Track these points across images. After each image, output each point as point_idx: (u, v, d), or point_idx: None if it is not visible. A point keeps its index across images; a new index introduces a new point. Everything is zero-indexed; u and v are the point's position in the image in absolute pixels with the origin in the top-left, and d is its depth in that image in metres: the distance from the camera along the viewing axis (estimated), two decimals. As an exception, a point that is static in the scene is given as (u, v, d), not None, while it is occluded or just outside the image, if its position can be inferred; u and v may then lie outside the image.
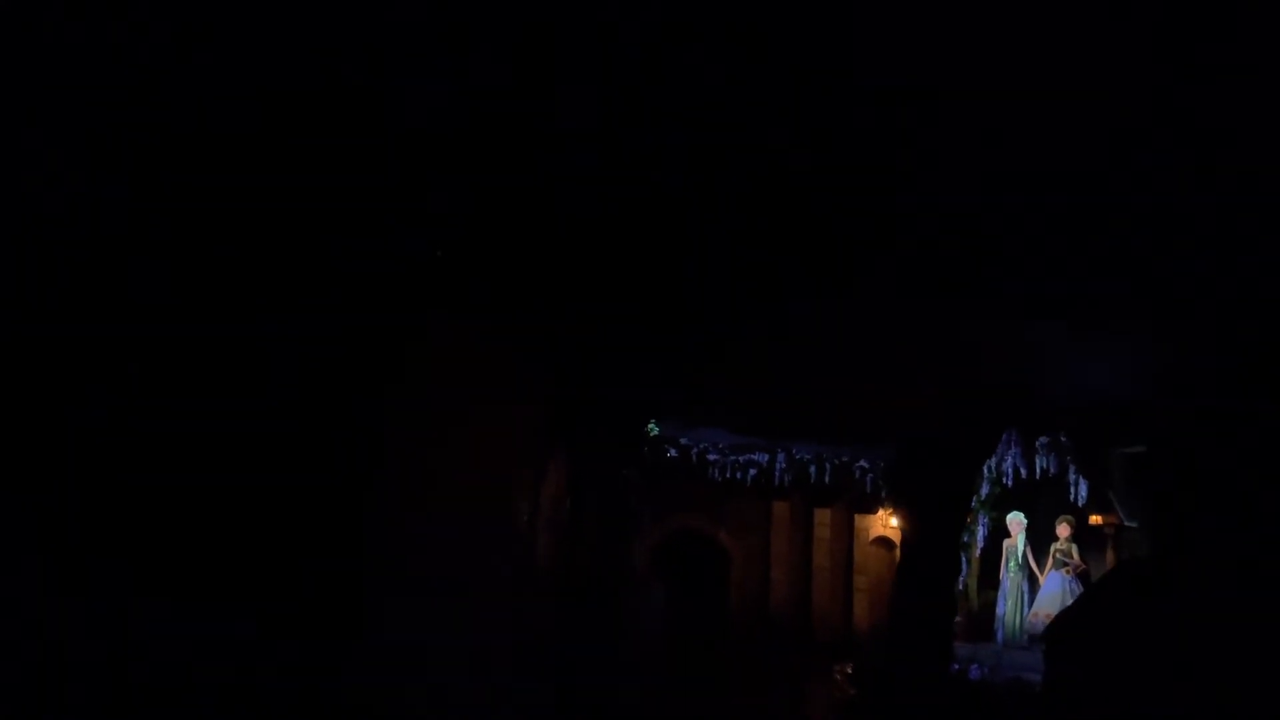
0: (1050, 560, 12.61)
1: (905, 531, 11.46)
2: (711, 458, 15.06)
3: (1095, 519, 12.14)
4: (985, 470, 13.25)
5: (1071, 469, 12.36)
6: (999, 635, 12.76)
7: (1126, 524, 11.80)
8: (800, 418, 15.33)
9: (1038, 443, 12.68)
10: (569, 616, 9.24)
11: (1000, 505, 13.30)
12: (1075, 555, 12.40)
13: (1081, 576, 12.41)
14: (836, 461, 14.92)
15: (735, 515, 17.10)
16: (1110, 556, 12.11)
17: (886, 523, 18.89)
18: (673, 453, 15.00)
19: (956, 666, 10.63)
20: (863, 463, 14.85)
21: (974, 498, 13.44)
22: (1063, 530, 12.58)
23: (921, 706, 9.37)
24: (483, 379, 6.95)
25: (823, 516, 17.44)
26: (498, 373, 7.22)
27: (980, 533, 13.28)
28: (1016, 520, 13.04)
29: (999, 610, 12.88)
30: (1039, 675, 11.20)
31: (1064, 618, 7.54)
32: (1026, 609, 12.60)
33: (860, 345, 14.70)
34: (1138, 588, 6.69)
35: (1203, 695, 6.28)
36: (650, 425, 11.98)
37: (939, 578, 10.62)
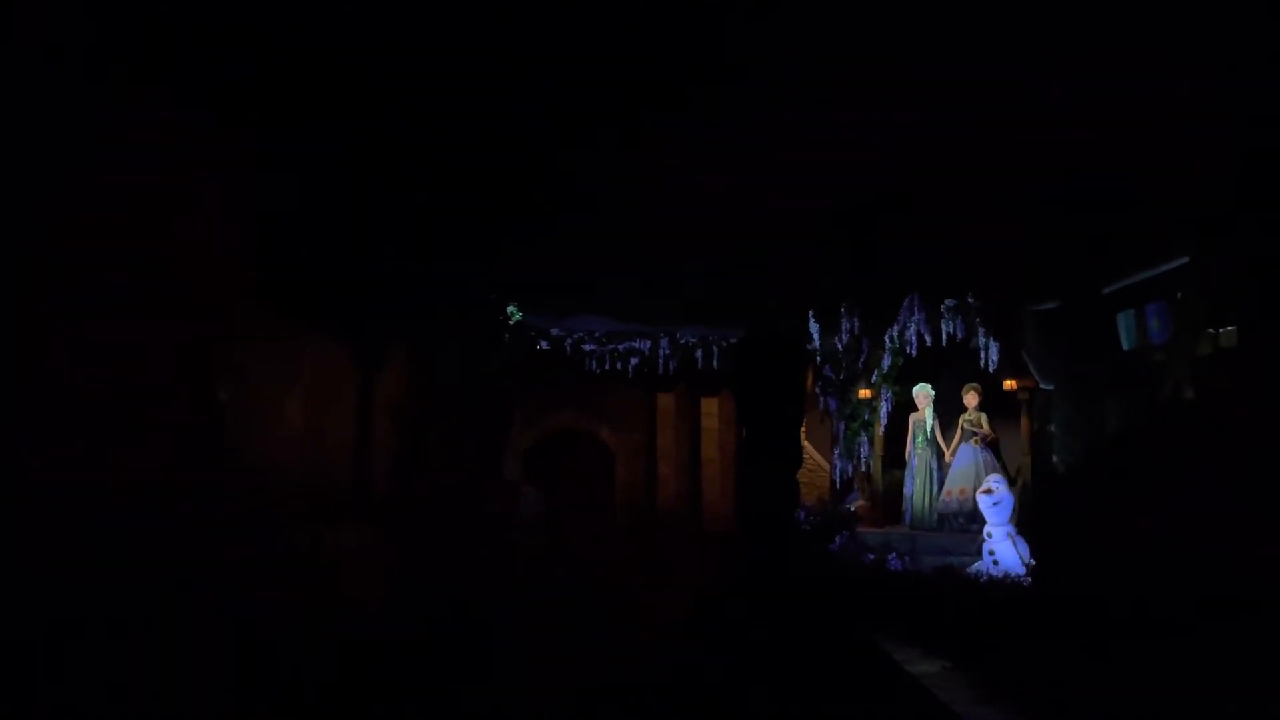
0: (959, 433, 11.27)
1: (743, 420, 10.91)
2: (588, 348, 13.13)
3: (1009, 384, 10.79)
4: (887, 340, 11.74)
5: (981, 332, 10.93)
6: (907, 517, 11.44)
7: (1042, 387, 10.48)
8: (684, 299, 13.54)
9: (943, 306, 11.20)
10: (409, 537, 7.24)
11: (905, 378, 11.85)
12: (985, 425, 11.08)
13: (993, 446, 11.13)
14: (724, 344, 13.21)
15: (617, 410, 15.36)
16: (1024, 424, 10.82)
17: (775, 409, 17.56)
18: (544, 345, 13.00)
19: (871, 556, 9.18)
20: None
21: (876, 371, 11.96)
22: (970, 399, 11.22)
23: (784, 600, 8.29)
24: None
25: (710, 406, 15.90)
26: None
27: (884, 409, 11.83)
28: (923, 392, 11.63)
29: (907, 490, 11.53)
30: (963, 558, 9.96)
31: (1052, 503, 6.00)
32: (937, 488, 11.28)
33: (744, 211, 12.90)
34: (1135, 464, 5.14)
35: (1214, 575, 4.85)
36: (511, 309, 9.90)
37: (779, 470, 10.26)
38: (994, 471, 10.77)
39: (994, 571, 8.81)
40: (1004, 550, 8.86)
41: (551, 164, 8.47)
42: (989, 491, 9.15)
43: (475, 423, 9.16)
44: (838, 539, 10.25)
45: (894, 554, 8.98)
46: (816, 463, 18.09)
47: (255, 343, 6.10)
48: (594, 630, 7.79)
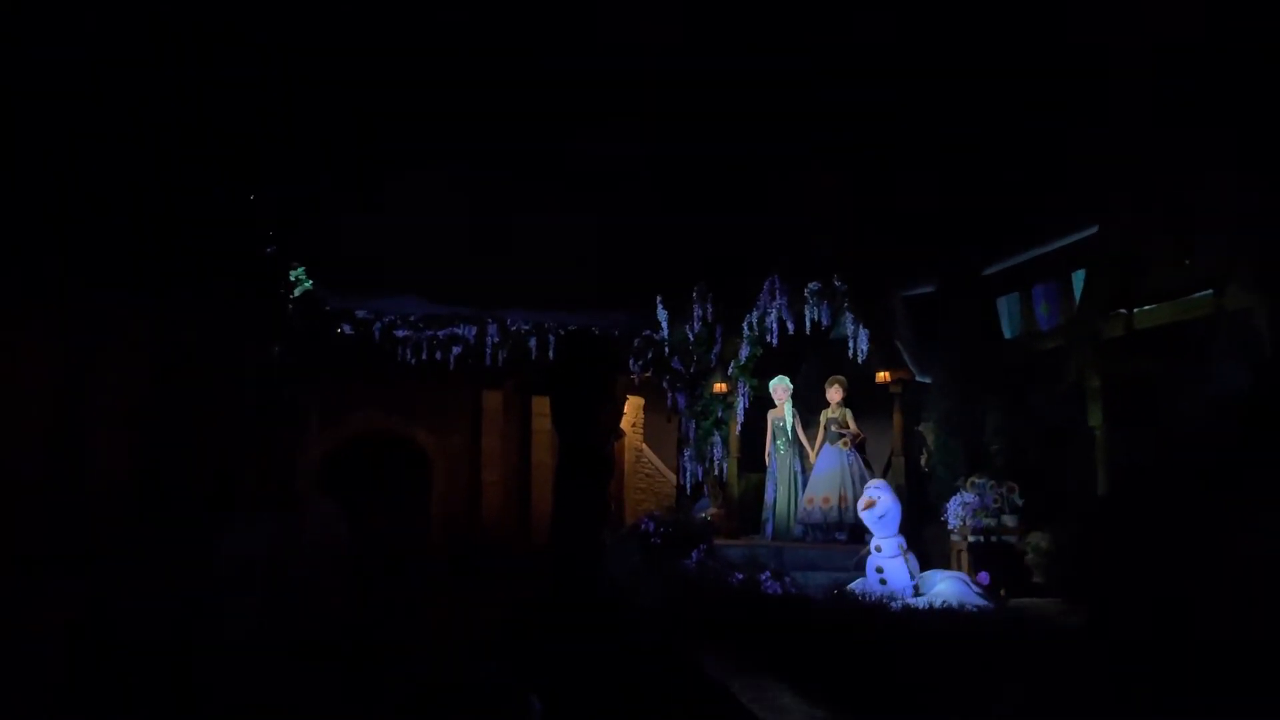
0: (821, 432, 9.87)
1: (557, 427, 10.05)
2: (400, 334, 10.93)
3: (882, 376, 9.48)
4: (745, 328, 10.23)
5: (848, 319, 9.58)
6: (769, 528, 9.92)
7: (919, 379, 9.23)
8: (516, 278, 11.62)
9: (807, 289, 9.79)
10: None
11: (762, 370, 10.37)
12: (851, 423, 9.71)
13: (861, 448, 9.80)
14: (561, 332, 11.34)
15: (436, 410, 13.12)
16: (896, 420, 9.54)
17: (613, 409, 15.84)
18: (347, 329, 10.71)
19: (739, 577, 7.54)
20: (594, 331, 11.37)
21: (732, 363, 10.42)
22: (834, 394, 9.85)
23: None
24: None
25: (542, 405, 13.88)
26: None
27: (740, 404, 10.28)
28: (781, 386, 10.15)
29: (768, 498, 10.03)
30: (837, 573, 8.48)
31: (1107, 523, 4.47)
32: (800, 493, 9.84)
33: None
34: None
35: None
36: (298, 274, 7.65)
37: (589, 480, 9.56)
38: (861, 476, 9.45)
39: (881, 591, 7.38)
40: (894, 568, 7.44)
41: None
42: (871, 505, 7.68)
43: (241, 426, 6.88)
44: (694, 554, 8.58)
45: (767, 573, 7.38)
46: (655, 467, 16.50)
47: None
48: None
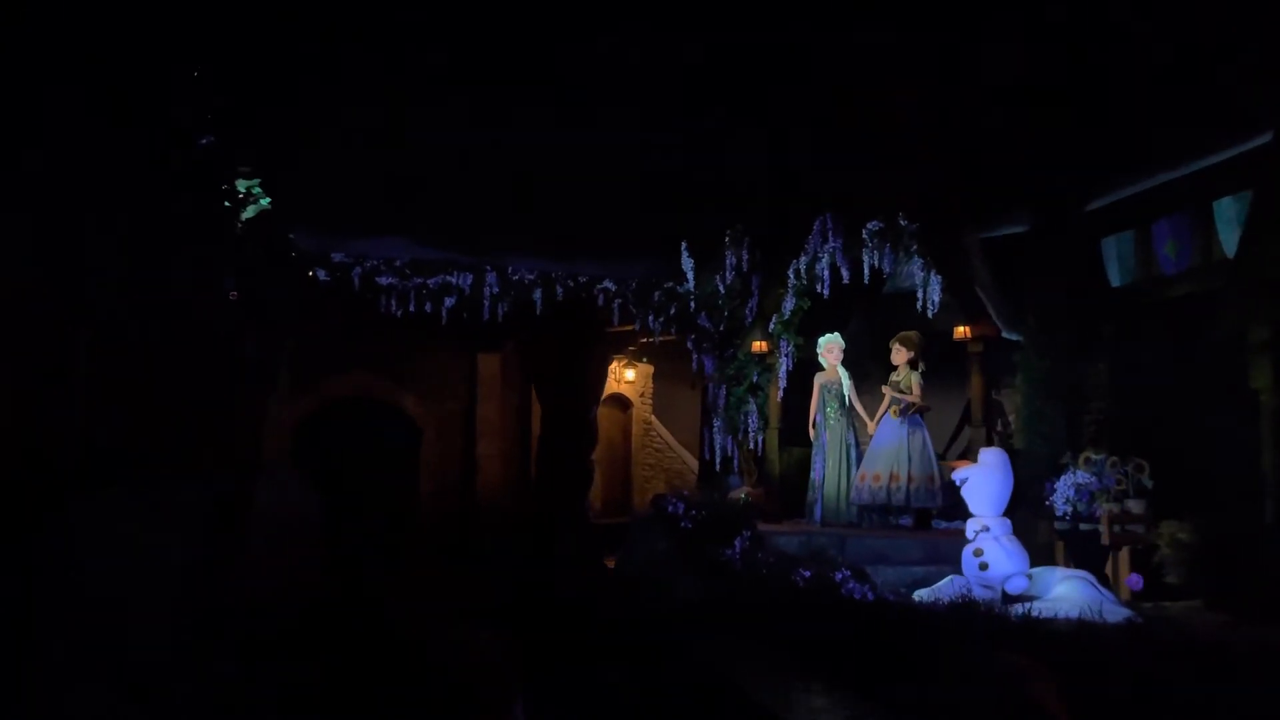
0: (885, 399, 8.21)
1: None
2: (385, 281, 9.19)
3: (961, 332, 7.84)
4: (790, 276, 8.57)
5: (917, 265, 7.93)
6: (817, 511, 8.28)
7: (1006, 336, 7.59)
8: (521, 219, 9.88)
9: (866, 230, 8.12)
10: None
11: (810, 326, 8.71)
12: (916, 389, 8.05)
13: (925, 415, 8.16)
14: (571, 282, 9.63)
15: (427, 373, 11.48)
16: (977, 384, 7.92)
17: (620, 376, 14.20)
18: (322, 275, 8.98)
19: (805, 574, 5.89)
20: (608, 283, 9.66)
21: (775, 316, 8.76)
22: (899, 355, 8.17)
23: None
24: None
25: (544, 370, 12.26)
26: None
27: (783, 365, 8.63)
28: (837, 345, 8.48)
29: (815, 474, 8.37)
30: (910, 568, 6.89)
31: None
32: (853, 469, 8.20)
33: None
34: None
35: None
36: (251, 186, 5.91)
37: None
38: (924, 451, 7.81)
39: (980, 580, 5.80)
40: (995, 551, 5.84)
41: None
42: (960, 470, 6.08)
43: (173, 376, 5.21)
44: (737, 543, 6.95)
45: (845, 570, 5.75)
46: (665, 442, 14.86)
47: None
48: None
